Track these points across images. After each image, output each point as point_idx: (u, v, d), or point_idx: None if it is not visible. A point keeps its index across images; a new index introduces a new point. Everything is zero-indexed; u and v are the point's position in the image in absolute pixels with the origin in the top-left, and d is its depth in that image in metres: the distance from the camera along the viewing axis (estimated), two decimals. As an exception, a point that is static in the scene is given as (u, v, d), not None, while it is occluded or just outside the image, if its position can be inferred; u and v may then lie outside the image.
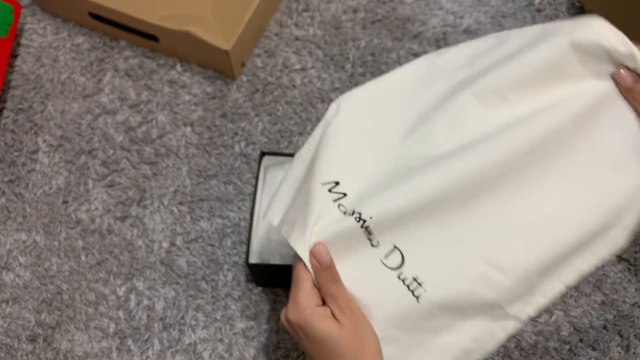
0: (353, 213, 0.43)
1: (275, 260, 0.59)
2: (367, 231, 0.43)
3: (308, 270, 0.44)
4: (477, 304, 0.43)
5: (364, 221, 0.43)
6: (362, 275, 0.44)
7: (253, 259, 0.58)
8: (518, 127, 0.42)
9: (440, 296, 0.42)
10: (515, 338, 0.61)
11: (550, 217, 0.43)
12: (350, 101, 0.49)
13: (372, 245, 0.43)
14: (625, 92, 0.43)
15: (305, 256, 0.43)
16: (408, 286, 0.43)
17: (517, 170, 0.43)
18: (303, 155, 0.49)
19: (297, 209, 0.46)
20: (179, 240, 0.66)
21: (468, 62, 0.48)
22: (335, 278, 0.44)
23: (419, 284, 0.42)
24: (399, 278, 0.43)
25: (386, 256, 0.43)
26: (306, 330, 0.42)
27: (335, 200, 0.45)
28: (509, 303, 0.44)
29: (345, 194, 0.45)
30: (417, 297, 0.42)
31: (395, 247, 0.43)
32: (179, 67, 0.75)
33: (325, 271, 0.43)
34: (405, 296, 0.43)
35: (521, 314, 0.44)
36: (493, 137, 0.42)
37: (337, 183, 0.45)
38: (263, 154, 0.62)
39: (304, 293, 0.43)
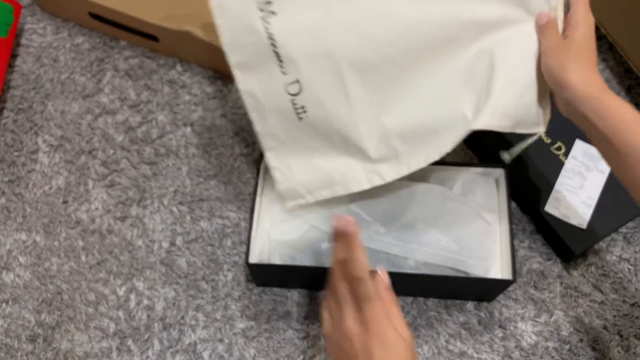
0: (271, 36, 0.50)
1: (275, 260, 0.59)
2: (279, 60, 0.51)
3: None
4: (344, 139, 0.54)
5: (277, 47, 0.50)
6: (267, 89, 0.53)
7: (253, 259, 0.58)
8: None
9: (314, 121, 0.54)
10: (515, 338, 0.61)
11: (422, 96, 0.52)
12: None
13: (281, 71, 0.52)
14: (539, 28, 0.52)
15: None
16: (296, 110, 0.54)
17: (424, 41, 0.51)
18: None
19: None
20: (179, 240, 0.66)
21: None
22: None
23: (304, 111, 0.54)
24: (292, 102, 0.53)
25: (289, 84, 0.52)
26: (378, 329, 0.42)
27: (262, 19, 0.50)
28: (376, 161, 0.55)
29: (273, 12, 0.50)
30: (300, 117, 0.54)
31: (297, 81, 0.52)
32: (179, 67, 0.75)
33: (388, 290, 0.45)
34: (292, 115, 0.54)
35: (386, 175, 0.55)
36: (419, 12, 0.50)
37: (269, 2, 0.50)
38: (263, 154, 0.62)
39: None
